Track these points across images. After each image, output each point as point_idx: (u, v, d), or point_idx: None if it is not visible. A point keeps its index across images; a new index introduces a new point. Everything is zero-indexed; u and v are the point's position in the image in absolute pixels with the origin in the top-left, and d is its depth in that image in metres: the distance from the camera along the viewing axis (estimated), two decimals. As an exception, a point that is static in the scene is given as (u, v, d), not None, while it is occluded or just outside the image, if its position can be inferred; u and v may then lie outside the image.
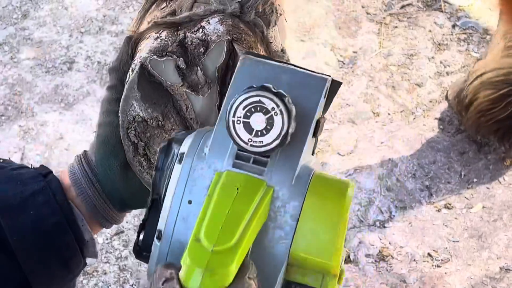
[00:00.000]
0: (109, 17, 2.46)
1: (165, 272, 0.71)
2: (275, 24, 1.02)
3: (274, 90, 0.74)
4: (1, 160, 0.96)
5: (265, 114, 0.75)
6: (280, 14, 1.04)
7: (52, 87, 2.28)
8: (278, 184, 0.76)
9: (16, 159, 2.08)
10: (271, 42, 1.00)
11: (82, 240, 0.93)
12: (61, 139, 2.17)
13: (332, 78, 0.79)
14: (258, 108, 0.75)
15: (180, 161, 0.78)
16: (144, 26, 1.06)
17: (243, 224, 0.72)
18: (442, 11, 2.49)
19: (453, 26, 2.46)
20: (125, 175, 0.94)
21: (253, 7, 0.97)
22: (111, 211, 0.96)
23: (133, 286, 1.91)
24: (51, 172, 0.95)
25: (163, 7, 1.06)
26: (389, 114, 2.25)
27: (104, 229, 1.01)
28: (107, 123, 0.94)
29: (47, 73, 2.31)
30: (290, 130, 0.74)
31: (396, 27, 2.47)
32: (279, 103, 0.74)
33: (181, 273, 0.71)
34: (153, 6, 1.07)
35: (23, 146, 2.15)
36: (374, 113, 2.25)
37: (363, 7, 2.52)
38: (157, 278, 0.71)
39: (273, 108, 0.74)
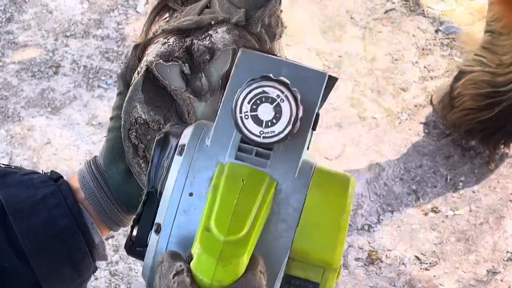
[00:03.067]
0: (94, 21, 2.45)
1: (173, 264, 0.70)
2: (280, 36, 1.04)
3: (275, 78, 0.74)
4: (12, 167, 0.97)
5: (271, 103, 0.74)
6: (286, 27, 1.06)
7: (39, 91, 2.27)
8: (281, 177, 0.75)
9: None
10: (275, 54, 1.02)
11: (92, 243, 0.94)
12: (48, 143, 2.16)
13: (328, 73, 0.79)
14: (263, 99, 0.74)
15: (180, 153, 0.77)
16: (150, 35, 1.07)
17: (252, 215, 0.72)
18: (425, 16, 2.52)
19: (436, 31, 2.49)
20: (132, 178, 0.96)
21: (260, 19, 0.98)
22: (118, 213, 0.97)
23: (124, 291, 1.91)
24: (61, 176, 0.96)
25: (166, 17, 1.08)
26: (375, 118, 2.27)
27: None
28: (115, 128, 0.96)
29: (33, 77, 2.30)
30: (300, 114, 0.74)
31: (380, 31, 2.50)
32: (283, 89, 0.74)
33: (193, 264, 0.70)
34: (157, 16, 1.09)
35: (11, 151, 2.14)
36: (360, 117, 2.28)
37: (347, 11, 2.54)
38: (166, 271, 0.70)
39: (278, 96, 0.74)
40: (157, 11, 1.08)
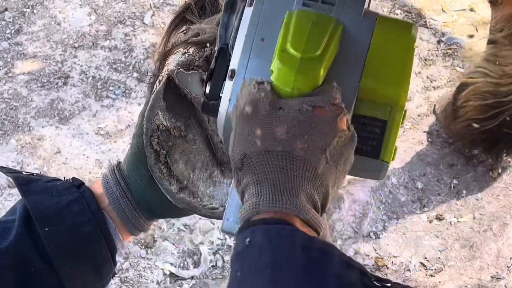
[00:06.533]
0: (102, 32, 2.49)
1: (255, 79, 0.75)
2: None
3: None
4: (34, 174, 1.00)
5: None
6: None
7: (48, 102, 2.31)
8: (347, 20, 0.80)
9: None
10: None
11: (114, 248, 0.97)
12: (58, 153, 2.19)
13: None
14: None
15: (250, 4, 0.82)
16: (169, 46, 1.11)
17: (324, 42, 0.76)
18: (427, 27, 2.56)
19: (438, 42, 2.53)
20: (154, 184, 0.98)
21: None
22: (140, 219, 1.00)
23: (135, 298, 1.94)
24: (83, 183, 0.99)
25: (183, 30, 1.12)
26: (379, 127, 2.30)
27: None
28: (140, 135, 0.99)
29: (42, 88, 2.33)
30: None
31: (383, 42, 2.53)
32: None
33: (273, 77, 0.75)
34: (175, 29, 1.12)
35: (21, 160, 2.17)
36: (365, 126, 2.30)
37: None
38: (248, 84, 0.75)
39: None
40: (175, 24, 1.11)
